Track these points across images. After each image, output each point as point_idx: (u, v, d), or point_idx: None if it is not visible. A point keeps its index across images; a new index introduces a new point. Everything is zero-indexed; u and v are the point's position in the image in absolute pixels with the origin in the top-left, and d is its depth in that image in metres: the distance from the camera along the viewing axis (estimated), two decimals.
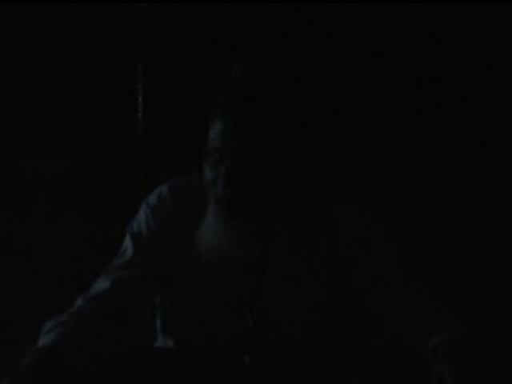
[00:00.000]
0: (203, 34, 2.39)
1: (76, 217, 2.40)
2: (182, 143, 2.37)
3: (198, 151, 1.77)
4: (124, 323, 1.58)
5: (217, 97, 1.55)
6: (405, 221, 2.33)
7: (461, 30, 2.35)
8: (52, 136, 2.41)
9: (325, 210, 1.72)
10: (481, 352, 1.35)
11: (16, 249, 2.37)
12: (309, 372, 1.45)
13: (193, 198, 1.66)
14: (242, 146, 1.46)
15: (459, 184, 2.37)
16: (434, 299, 1.56)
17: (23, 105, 2.40)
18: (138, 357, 1.55)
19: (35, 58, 2.40)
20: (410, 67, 2.37)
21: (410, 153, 2.38)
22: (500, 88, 2.35)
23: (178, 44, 2.40)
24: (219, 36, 2.38)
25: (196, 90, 2.36)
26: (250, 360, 1.40)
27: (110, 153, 2.41)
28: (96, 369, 1.44)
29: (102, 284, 1.60)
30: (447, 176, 2.37)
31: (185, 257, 1.68)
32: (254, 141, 1.46)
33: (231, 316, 1.68)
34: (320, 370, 1.46)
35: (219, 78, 1.80)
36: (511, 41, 2.33)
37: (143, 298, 1.66)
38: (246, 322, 1.42)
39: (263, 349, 1.45)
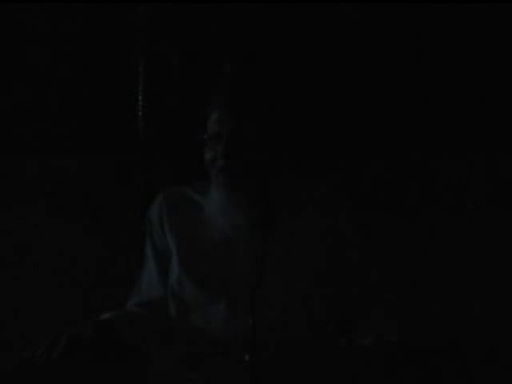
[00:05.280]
0: (203, 34, 2.39)
1: (76, 217, 2.40)
2: (183, 143, 2.37)
3: (198, 150, 1.79)
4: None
5: (212, 91, 1.79)
6: (404, 221, 2.33)
7: (462, 28, 2.35)
8: (52, 136, 2.40)
9: (328, 210, 1.75)
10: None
11: (16, 249, 2.36)
12: (309, 371, 1.45)
13: (185, 203, 1.85)
14: (235, 126, 1.69)
15: (459, 183, 2.37)
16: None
17: (23, 105, 2.39)
18: (137, 356, 1.56)
19: (35, 58, 2.40)
20: (411, 63, 2.37)
21: (409, 150, 2.38)
22: (501, 87, 2.35)
23: (178, 44, 2.40)
24: (219, 36, 2.38)
25: (196, 90, 2.35)
26: (249, 360, 1.40)
27: (110, 153, 2.41)
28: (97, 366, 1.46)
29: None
30: (447, 175, 2.37)
31: (186, 251, 1.80)
32: (245, 122, 1.69)
33: (231, 316, 1.68)
34: (320, 369, 1.46)
35: (217, 77, 1.83)
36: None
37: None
38: (245, 321, 1.42)
39: (263, 349, 1.45)
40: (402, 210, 2.34)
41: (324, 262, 1.74)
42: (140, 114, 2.38)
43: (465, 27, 2.34)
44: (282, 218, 1.68)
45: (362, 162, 2.38)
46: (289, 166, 1.81)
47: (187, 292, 1.76)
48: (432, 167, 2.37)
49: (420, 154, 2.37)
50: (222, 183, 1.71)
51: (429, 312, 2.24)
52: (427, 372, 1.40)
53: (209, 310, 1.73)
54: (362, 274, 1.76)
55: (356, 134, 2.38)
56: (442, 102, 2.37)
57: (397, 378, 1.43)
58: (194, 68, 2.39)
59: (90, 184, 2.41)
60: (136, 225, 2.25)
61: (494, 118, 2.35)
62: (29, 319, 2.29)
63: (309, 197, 1.81)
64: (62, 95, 2.41)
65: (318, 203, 1.80)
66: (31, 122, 2.40)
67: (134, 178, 2.39)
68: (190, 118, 2.34)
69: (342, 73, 2.38)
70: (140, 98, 2.38)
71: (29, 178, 2.40)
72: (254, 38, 2.36)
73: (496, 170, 2.35)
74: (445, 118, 2.37)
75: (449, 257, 2.32)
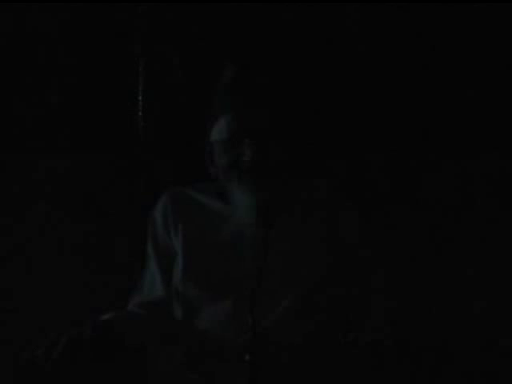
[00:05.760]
0: (204, 34, 2.39)
1: (76, 216, 2.40)
2: (183, 143, 2.37)
3: (198, 150, 1.79)
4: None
5: (218, 93, 1.74)
6: (405, 221, 2.33)
7: (464, 27, 2.35)
8: (52, 136, 2.40)
9: (329, 210, 1.76)
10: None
11: (15, 249, 2.36)
12: (309, 371, 1.45)
13: (189, 203, 1.84)
14: (261, 125, 1.65)
15: (459, 183, 2.37)
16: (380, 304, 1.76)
17: (22, 104, 2.39)
18: (137, 356, 1.56)
19: (35, 58, 2.40)
20: (412, 64, 2.37)
21: (409, 151, 2.38)
22: (502, 87, 2.35)
23: (178, 44, 2.40)
24: (220, 36, 2.38)
25: (196, 90, 2.36)
26: (249, 360, 1.40)
27: (110, 153, 2.41)
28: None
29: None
30: (447, 175, 2.37)
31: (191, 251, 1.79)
32: (270, 118, 1.66)
33: (235, 316, 1.68)
34: (320, 369, 1.46)
35: (218, 78, 1.82)
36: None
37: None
38: (245, 321, 1.42)
39: (263, 349, 1.45)
40: (402, 209, 2.34)
41: (324, 262, 1.75)
42: (140, 113, 2.38)
43: (468, 26, 2.34)
44: (283, 217, 1.68)
45: (363, 162, 2.38)
46: (289, 166, 1.81)
47: (192, 291, 1.77)
48: (432, 168, 2.37)
49: (420, 155, 2.37)
50: (248, 184, 1.69)
51: (429, 312, 2.24)
52: (427, 371, 1.40)
53: (213, 310, 1.73)
54: (362, 274, 1.76)
55: (356, 134, 2.38)
56: (443, 103, 2.37)
57: (396, 377, 1.43)
58: (194, 68, 2.39)
59: (90, 184, 2.41)
60: (136, 225, 2.25)
61: (494, 119, 2.35)
62: (29, 319, 2.29)
63: (309, 197, 1.81)
64: (62, 95, 2.41)
65: (318, 203, 1.80)
66: (31, 121, 2.40)
67: (133, 178, 2.39)
68: (190, 118, 2.34)
69: (343, 72, 2.38)
70: (140, 98, 2.38)
71: (29, 178, 2.40)
72: (253, 38, 2.36)
73: (496, 170, 2.35)
74: (445, 118, 2.37)
75: (449, 257, 2.32)
